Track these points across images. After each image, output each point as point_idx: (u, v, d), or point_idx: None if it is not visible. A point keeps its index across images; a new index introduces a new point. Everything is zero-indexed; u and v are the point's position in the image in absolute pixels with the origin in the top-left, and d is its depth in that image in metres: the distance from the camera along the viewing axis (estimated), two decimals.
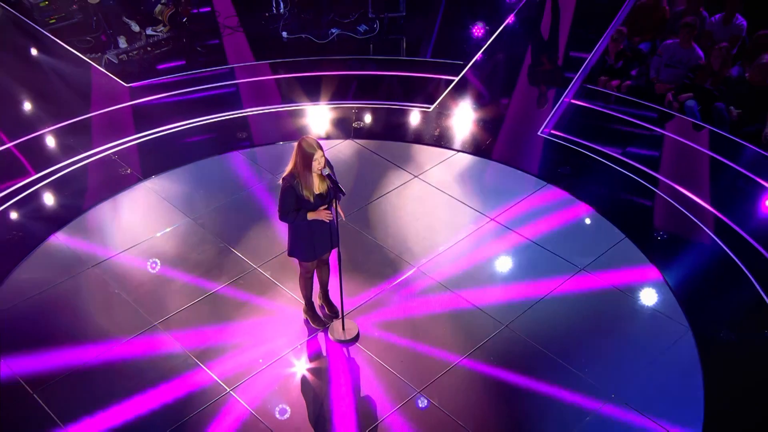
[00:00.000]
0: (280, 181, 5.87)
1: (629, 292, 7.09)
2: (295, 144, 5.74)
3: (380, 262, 7.47)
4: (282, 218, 5.92)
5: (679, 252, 7.60)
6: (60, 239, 7.65)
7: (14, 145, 8.68)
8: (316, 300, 6.82)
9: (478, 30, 10.87)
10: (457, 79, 9.93)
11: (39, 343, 6.58)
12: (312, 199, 5.81)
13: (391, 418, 6.00)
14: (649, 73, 9.78)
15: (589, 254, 7.46)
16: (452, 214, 8.02)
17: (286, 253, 6.28)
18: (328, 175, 5.74)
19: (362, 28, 10.83)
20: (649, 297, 7.05)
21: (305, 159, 5.62)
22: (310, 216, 5.80)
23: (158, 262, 7.46)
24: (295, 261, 6.38)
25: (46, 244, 7.59)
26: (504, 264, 7.50)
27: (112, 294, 7.10)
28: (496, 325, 6.77)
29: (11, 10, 10.98)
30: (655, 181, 8.36)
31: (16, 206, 7.97)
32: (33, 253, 7.48)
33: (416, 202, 8.21)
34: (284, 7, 10.87)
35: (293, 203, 5.80)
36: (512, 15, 10.99)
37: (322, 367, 6.50)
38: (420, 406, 6.10)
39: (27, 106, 9.28)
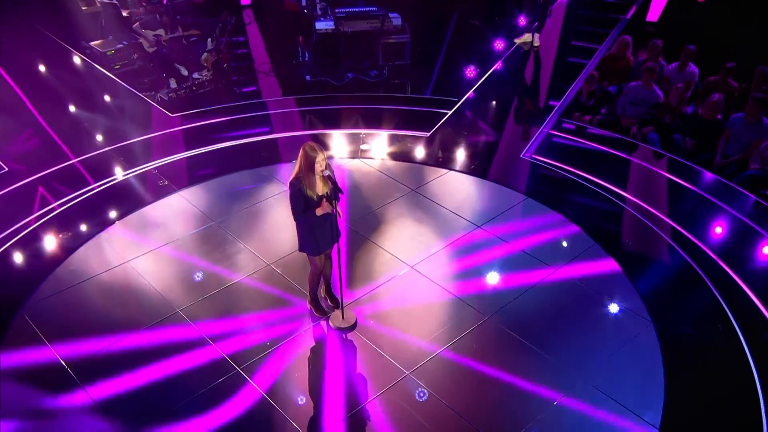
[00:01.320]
0: (288, 186, 5.43)
1: (598, 291, 6.55)
2: (300, 150, 5.35)
3: (378, 261, 6.98)
4: (296, 218, 5.56)
5: (642, 256, 7.10)
6: (103, 238, 7.24)
7: (78, 161, 8.39)
8: (320, 293, 6.34)
9: (470, 72, 10.33)
10: (451, 111, 9.47)
11: (76, 326, 6.15)
12: (316, 198, 5.43)
13: (384, 395, 5.51)
14: (616, 110, 9.19)
15: (564, 257, 6.95)
16: (444, 222, 7.52)
17: (298, 249, 5.82)
18: (328, 176, 5.37)
19: (373, 73, 10.43)
20: (616, 295, 6.50)
21: (308, 161, 5.29)
22: (319, 212, 5.43)
23: (185, 258, 7.00)
24: (302, 258, 6.04)
25: (92, 242, 7.16)
26: (489, 265, 6.95)
27: (144, 284, 6.64)
28: (480, 316, 6.26)
29: (85, 58, 10.73)
30: (621, 198, 7.84)
31: (70, 211, 7.58)
32: (80, 248, 7.05)
33: (412, 211, 7.72)
34: (309, 56, 10.41)
35: (302, 203, 5.40)
36: (500, 62, 10.45)
37: (322, 350, 6.02)
38: (408, 386, 5.58)
39: (92, 131, 9.03)
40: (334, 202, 5.42)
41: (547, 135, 8.98)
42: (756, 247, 7.06)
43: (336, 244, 5.72)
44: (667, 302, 6.45)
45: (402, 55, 10.58)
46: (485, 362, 5.78)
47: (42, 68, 10.20)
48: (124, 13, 10.72)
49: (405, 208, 7.69)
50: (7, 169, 8.15)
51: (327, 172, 5.31)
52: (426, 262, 6.85)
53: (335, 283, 6.10)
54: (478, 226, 7.33)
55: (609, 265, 6.81)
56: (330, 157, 8.06)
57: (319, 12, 10.41)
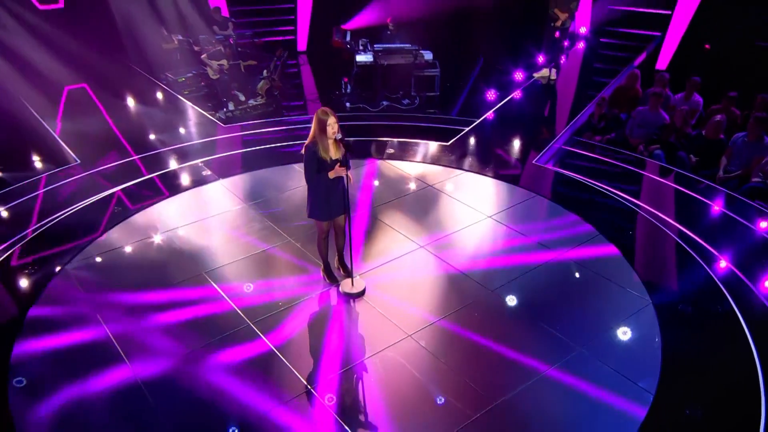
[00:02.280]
0: (303, 151, 5.10)
1: (599, 272, 5.95)
2: (314, 116, 5.06)
3: (392, 241, 6.54)
4: (308, 180, 5.21)
5: (641, 244, 6.47)
6: (149, 213, 7.06)
7: (139, 158, 8.32)
8: (334, 264, 5.92)
9: (492, 97, 9.93)
10: (470, 126, 9.08)
11: (114, 284, 5.91)
12: (329, 161, 5.09)
13: (383, 353, 5.02)
14: (624, 132, 8.65)
15: (567, 243, 6.38)
16: (456, 212, 7.06)
17: (306, 215, 5.42)
18: (340, 139, 4.99)
19: (405, 101, 10.19)
20: (616, 276, 5.88)
21: (321, 124, 4.99)
22: (331, 174, 5.09)
23: (218, 230, 6.75)
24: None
25: (137, 216, 7.00)
26: (495, 248, 6.44)
27: (178, 249, 6.41)
28: (483, 289, 5.74)
29: (162, 85, 10.88)
30: (626, 200, 7.19)
31: (123, 193, 7.45)
32: (127, 220, 6.90)
33: (428, 202, 7.30)
34: (350, 88, 10.25)
35: (315, 166, 5.06)
36: (519, 90, 10.05)
37: (330, 312, 5.60)
38: (408, 346, 5.09)
39: (160, 138, 8.99)
40: (346, 166, 5.10)
41: (558, 149, 8.47)
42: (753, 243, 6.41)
43: (346, 217, 5.37)
44: (666, 284, 5.84)
45: (432, 87, 10.34)
46: (485, 329, 5.24)
47: (130, 94, 10.34)
48: (196, 48, 10.87)
49: (421, 200, 7.29)
50: (78, 161, 8.09)
51: (339, 135, 4.97)
52: (436, 244, 6.39)
53: (348, 259, 5.69)
54: (488, 216, 6.83)
55: (610, 250, 6.21)
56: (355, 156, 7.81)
57: (360, 47, 10.29)
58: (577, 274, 5.93)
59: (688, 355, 4.97)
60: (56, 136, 8.80)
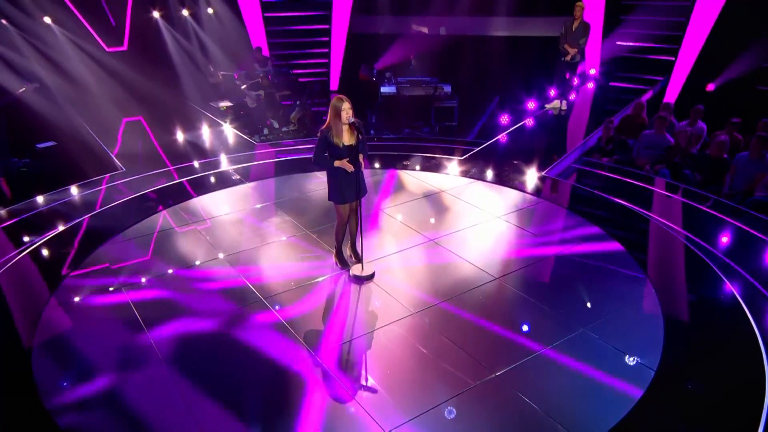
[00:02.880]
0: (318, 134, 4.95)
1: (603, 263, 5.63)
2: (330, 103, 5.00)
3: (404, 234, 6.32)
4: (315, 162, 5.11)
5: (643, 239, 6.15)
6: (179, 209, 7.00)
7: (174, 169, 8.31)
8: (346, 250, 5.72)
9: (506, 121, 9.78)
10: (484, 144, 8.93)
11: (143, 262, 5.87)
12: (341, 146, 4.96)
13: (392, 326, 4.78)
14: (632, 154, 8.37)
15: (572, 240, 6.09)
16: (466, 212, 6.82)
17: (327, 198, 5.32)
18: (353, 123, 4.87)
19: (426, 130, 10.08)
20: (620, 267, 5.56)
21: (335, 110, 4.89)
22: (336, 163, 4.98)
23: (240, 223, 6.66)
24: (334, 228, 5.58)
25: (168, 211, 6.96)
26: (502, 241, 6.16)
27: (201, 238, 6.29)
28: (488, 276, 5.45)
29: (207, 114, 10.98)
30: (629, 210, 6.85)
31: (157, 193, 7.46)
32: (158, 213, 6.90)
33: (439, 204, 7.10)
34: (374, 118, 10.29)
35: (324, 149, 4.99)
36: (531, 117, 9.87)
37: (339, 291, 5.36)
38: (412, 321, 4.82)
39: (201, 154, 8.97)
40: (360, 157, 5.00)
41: (567, 166, 8.21)
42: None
43: (360, 200, 5.20)
44: (669, 274, 5.46)
45: (451, 118, 10.33)
46: (488, 311, 4.94)
47: (177, 121, 10.47)
48: (237, 82, 11.12)
49: (434, 202, 7.10)
50: (123, 169, 8.19)
51: (352, 119, 4.85)
52: (445, 238, 6.14)
53: (359, 246, 5.49)
54: (496, 216, 6.58)
55: (615, 246, 5.87)
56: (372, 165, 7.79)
57: (384, 80, 10.39)
58: (581, 266, 5.59)
59: (689, 336, 4.59)
60: (110, 153, 8.95)
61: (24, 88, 9.05)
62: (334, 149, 4.94)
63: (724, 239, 6.11)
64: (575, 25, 9.28)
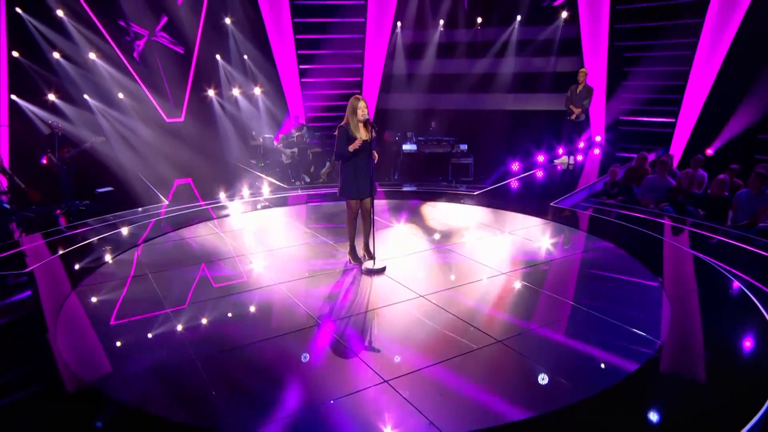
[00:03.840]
0: (336, 132, 5.25)
1: (608, 264, 5.67)
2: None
3: (414, 240, 6.47)
4: (337, 157, 5.32)
5: (647, 247, 6.11)
6: (218, 223, 7.24)
7: (207, 204, 8.57)
8: (360, 250, 5.78)
9: (518, 169, 9.91)
10: (499, 184, 9.15)
11: (172, 259, 6.10)
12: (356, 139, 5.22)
13: (399, 305, 4.76)
14: (636, 197, 8.40)
15: (581, 249, 6.21)
16: (476, 227, 6.91)
17: (338, 195, 5.49)
18: (367, 120, 5.15)
19: (444, 183, 10.33)
20: (625, 268, 5.59)
21: (352, 108, 5.24)
22: (351, 148, 5.16)
23: (264, 232, 7.00)
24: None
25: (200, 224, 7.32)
26: (509, 249, 6.15)
27: (227, 246, 6.59)
28: (495, 272, 5.47)
29: (250, 169, 11.49)
30: (632, 227, 6.82)
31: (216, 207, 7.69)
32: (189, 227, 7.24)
33: (453, 222, 7.21)
34: (397, 174, 10.65)
35: (345, 143, 5.19)
36: (541, 168, 10.06)
37: (350, 280, 5.40)
38: (420, 302, 4.80)
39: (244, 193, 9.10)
40: (374, 153, 5.26)
41: (574, 203, 8.24)
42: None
43: (371, 201, 5.41)
44: (673, 273, 5.35)
45: (467, 174, 10.58)
46: (494, 297, 4.89)
47: (221, 177, 10.93)
48: (275, 143, 11.74)
49: (447, 221, 7.22)
50: (167, 202, 8.59)
51: (366, 117, 5.13)
52: (453, 245, 6.21)
53: (372, 247, 5.56)
54: (504, 232, 6.62)
55: (621, 253, 5.84)
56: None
57: (406, 139, 10.84)
58: (587, 267, 5.53)
59: (693, 312, 4.43)
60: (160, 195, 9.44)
61: (93, 141, 9.77)
62: (351, 140, 5.17)
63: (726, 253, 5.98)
64: (579, 88, 9.71)
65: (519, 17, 12.14)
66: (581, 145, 10.83)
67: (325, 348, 4.05)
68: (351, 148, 5.14)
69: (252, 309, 4.73)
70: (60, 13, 10.65)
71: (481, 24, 12.43)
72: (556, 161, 10.44)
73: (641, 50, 11.27)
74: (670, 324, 4.22)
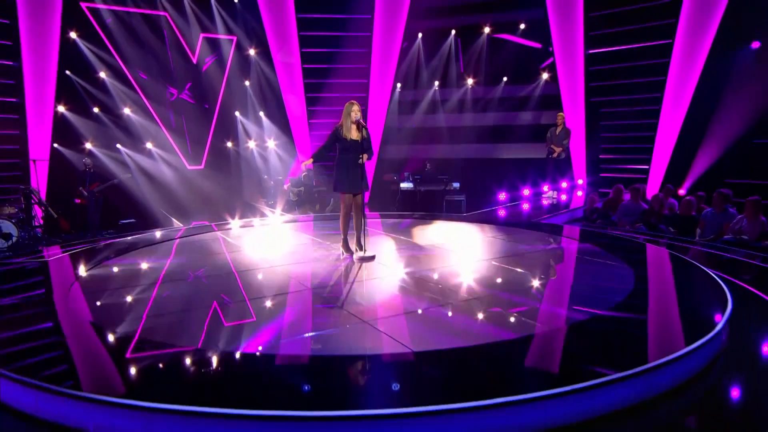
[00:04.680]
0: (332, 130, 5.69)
1: (586, 254, 6.03)
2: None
3: (407, 247, 6.67)
4: (325, 148, 5.67)
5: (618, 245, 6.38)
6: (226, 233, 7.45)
7: (218, 224, 8.91)
8: (353, 245, 5.94)
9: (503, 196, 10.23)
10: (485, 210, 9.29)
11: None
12: (348, 139, 5.56)
13: (386, 278, 4.99)
14: (612, 221, 8.71)
15: (561, 242, 6.26)
16: (468, 234, 7.08)
17: (333, 189, 5.79)
18: (358, 121, 5.52)
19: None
20: (602, 256, 5.79)
21: (346, 110, 5.60)
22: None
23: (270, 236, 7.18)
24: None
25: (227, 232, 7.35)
26: (492, 246, 6.30)
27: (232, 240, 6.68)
28: (478, 258, 5.75)
29: (260, 207, 11.88)
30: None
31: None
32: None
33: (439, 230, 7.34)
34: (396, 209, 11.02)
35: (333, 140, 5.59)
36: (528, 201, 10.37)
37: (342, 264, 5.65)
38: (406, 277, 5.07)
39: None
40: (362, 156, 5.53)
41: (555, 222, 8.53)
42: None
43: (361, 194, 5.70)
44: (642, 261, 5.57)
45: (460, 209, 10.90)
46: (477, 274, 5.07)
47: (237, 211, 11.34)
48: (285, 185, 12.24)
49: (434, 232, 7.43)
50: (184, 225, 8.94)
51: (358, 118, 5.50)
52: (440, 243, 6.44)
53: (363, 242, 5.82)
54: (489, 236, 6.85)
55: (594, 248, 6.09)
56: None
57: (404, 178, 11.31)
58: (564, 254, 5.75)
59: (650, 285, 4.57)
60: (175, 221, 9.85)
61: (120, 178, 10.37)
62: (343, 141, 5.51)
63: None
64: (558, 130, 10.26)
65: (505, 78, 13.01)
66: (564, 185, 11.24)
67: (312, 303, 4.25)
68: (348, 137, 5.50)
69: (251, 279, 4.98)
70: (102, 74, 11.64)
71: (473, 84, 13.30)
72: (543, 196, 10.84)
73: (614, 105, 11.97)
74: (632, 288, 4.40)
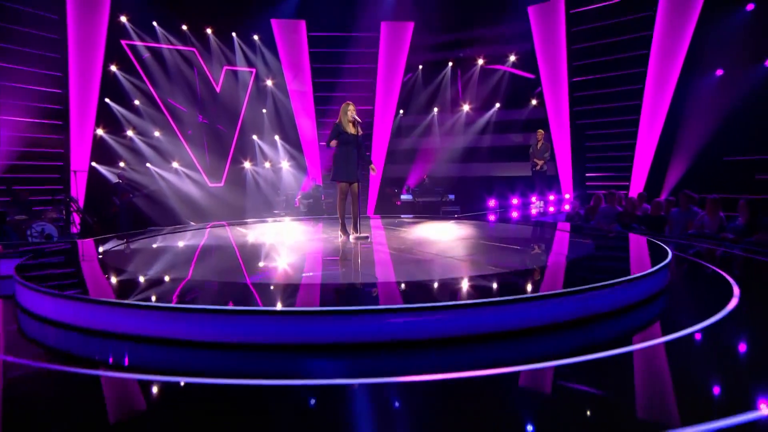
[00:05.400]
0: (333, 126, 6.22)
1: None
2: None
3: (396, 233, 7.19)
4: (327, 144, 6.20)
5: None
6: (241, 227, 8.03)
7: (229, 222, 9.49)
8: (350, 229, 6.36)
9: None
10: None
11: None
12: (347, 133, 6.05)
13: (376, 253, 5.59)
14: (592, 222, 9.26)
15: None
16: (449, 224, 7.51)
17: (331, 179, 6.33)
18: (354, 119, 6.07)
19: None
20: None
21: (343, 109, 6.12)
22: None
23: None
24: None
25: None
26: (478, 232, 6.78)
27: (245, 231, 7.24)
28: (469, 236, 6.09)
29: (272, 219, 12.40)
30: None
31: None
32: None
33: (430, 224, 7.83)
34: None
35: (337, 132, 6.09)
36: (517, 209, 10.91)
37: (342, 244, 6.18)
38: (395, 252, 5.68)
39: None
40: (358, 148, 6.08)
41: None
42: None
43: (359, 186, 6.19)
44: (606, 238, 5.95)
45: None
46: (467, 249, 5.61)
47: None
48: (297, 198, 12.94)
49: (426, 223, 7.98)
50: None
51: (354, 117, 6.04)
52: (430, 234, 6.94)
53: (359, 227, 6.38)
54: (476, 227, 7.37)
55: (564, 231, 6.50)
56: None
57: (404, 191, 11.95)
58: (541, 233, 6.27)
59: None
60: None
61: (150, 189, 11.19)
62: (342, 135, 6.05)
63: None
64: (539, 145, 10.91)
65: (498, 104, 13.82)
66: (551, 198, 11.81)
67: (322, 258, 4.87)
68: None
69: (277, 249, 5.65)
70: (137, 102, 12.65)
71: (469, 109, 14.11)
72: (531, 205, 11.42)
73: (597, 128, 12.65)
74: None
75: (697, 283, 4.84)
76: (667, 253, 4.50)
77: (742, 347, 3.14)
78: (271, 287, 3.96)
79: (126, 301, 3.39)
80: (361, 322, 3.03)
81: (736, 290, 4.14)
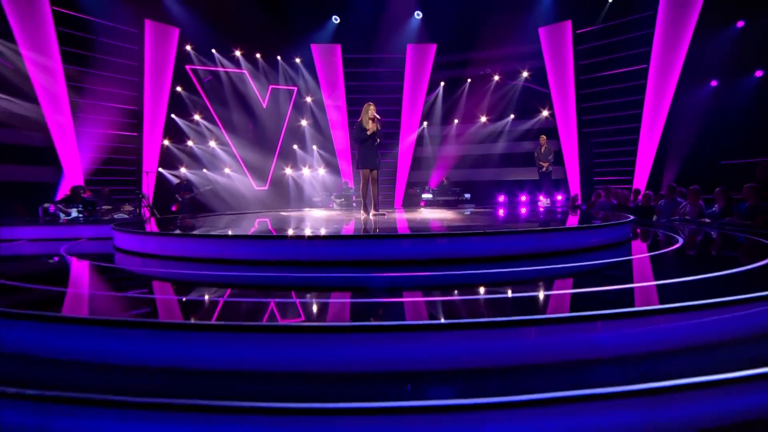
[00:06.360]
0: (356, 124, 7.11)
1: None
2: None
3: (412, 213, 8.02)
4: (355, 139, 7.05)
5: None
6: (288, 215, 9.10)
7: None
8: (371, 211, 7.20)
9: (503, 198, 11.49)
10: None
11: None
12: (368, 129, 6.88)
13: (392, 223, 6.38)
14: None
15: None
16: (463, 208, 8.36)
17: (355, 167, 7.25)
18: (373, 116, 6.92)
19: None
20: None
21: (365, 108, 6.98)
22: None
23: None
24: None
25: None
26: (486, 214, 7.61)
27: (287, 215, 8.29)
28: (470, 208, 6.92)
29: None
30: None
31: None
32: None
33: (444, 208, 8.66)
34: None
35: (360, 128, 6.89)
36: (525, 205, 11.58)
37: (362, 219, 7.07)
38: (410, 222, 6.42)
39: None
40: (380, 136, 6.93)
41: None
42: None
43: (377, 171, 7.05)
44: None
45: None
46: (464, 217, 6.36)
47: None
48: (332, 197, 14.05)
49: (437, 213, 8.77)
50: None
51: (374, 115, 6.89)
52: (444, 214, 7.82)
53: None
54: (486, 209, 8.17)
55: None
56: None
57: (425, 191, 12.83)
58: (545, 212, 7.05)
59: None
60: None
61: (205, 188, 12.53)
62: (363, 132, 6.92)
63: None
64: (543, 149, 11.61)
65: (512, 115, 14.64)
66: (559, 197, 12.45)
67: (354, 227, 5.84)
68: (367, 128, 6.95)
69: (320, 221, 6.61)
70: (197, 117, 14.15)
71: (485, 120, 14.98)
72: (539, 203, 12.09)
73: (602, 135, 13.26)
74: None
75: (661, 239, 5.56)
76: (629, 217, 5.28)
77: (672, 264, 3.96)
78: (322, 232, 5.06)
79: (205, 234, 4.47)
80: (383, 245, 4.11)
81: (681, 242, 4.91)
